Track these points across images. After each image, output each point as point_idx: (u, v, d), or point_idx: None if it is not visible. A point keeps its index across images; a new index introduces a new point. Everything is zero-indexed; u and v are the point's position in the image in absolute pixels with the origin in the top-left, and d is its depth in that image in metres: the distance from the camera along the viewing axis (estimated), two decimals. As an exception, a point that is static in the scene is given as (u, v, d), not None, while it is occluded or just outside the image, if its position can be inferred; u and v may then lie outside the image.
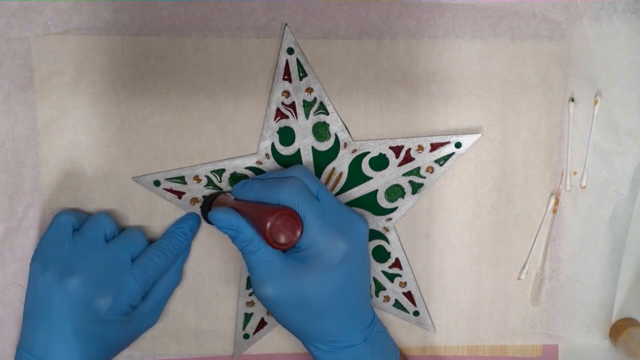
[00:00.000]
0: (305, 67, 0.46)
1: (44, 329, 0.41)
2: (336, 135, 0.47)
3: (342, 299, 0.42)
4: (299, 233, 0.40)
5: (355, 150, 0.47)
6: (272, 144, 0.47)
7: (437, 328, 0.51)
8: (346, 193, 0.48)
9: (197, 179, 0.47)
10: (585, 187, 0.49)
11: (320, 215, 0.41)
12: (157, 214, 0.47)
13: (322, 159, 0.47)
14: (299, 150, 0.47)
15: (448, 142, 0.47)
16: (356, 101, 0.47)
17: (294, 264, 0.41)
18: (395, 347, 0.46)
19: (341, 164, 0.47)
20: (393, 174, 0.48)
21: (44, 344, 0.41)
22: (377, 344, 0.44)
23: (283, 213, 0.39)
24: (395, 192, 0.48)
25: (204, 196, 0.47)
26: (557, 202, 0.49)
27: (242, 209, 0.42)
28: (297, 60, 0.45)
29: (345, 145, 0.47)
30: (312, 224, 0.40)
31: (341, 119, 0.47)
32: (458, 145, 0.47)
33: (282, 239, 0.39)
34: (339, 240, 0.41)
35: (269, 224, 0.39)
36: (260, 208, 0.41)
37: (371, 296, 0.50)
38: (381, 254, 0.49)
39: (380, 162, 0.48)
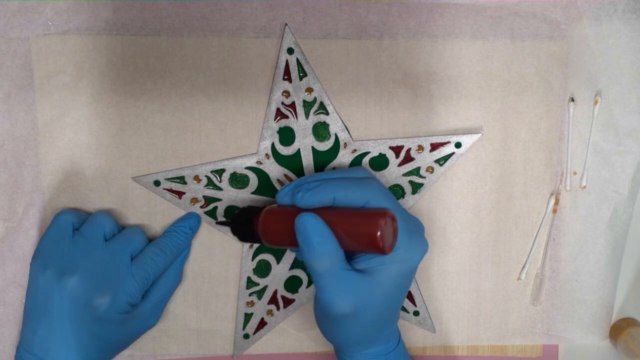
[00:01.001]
0: (305, 67, 0.46)
1: (43, 328, 0.41)
2: (336, 135, 0.47)
3: (392, 310, 0.42)
4: (395, 237, 0.37)
5: (355, 150, 0.47)
6: (272, 144, 0.47)
7: (437, 328, 0.51)
8: (346, 193, 0.48)
9: (197, 179, 0.47)
10: (585, 187, 0.49)
11: (404, 218, 0.39)
12: (157, 214, 0.47)
13: (322, 159, 0.47)
14: (299, 150, 0.47)
15: (448, 142, 0.47)
16: (356, 101, 0.47)
17: (358, 276, 0.38)
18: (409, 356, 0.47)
19: (341, 164, 0.47)
20: (393, 174, 0.48)
21: (44, 343, 0.41)
22: (402, 354, 0.44)
23: (390, 216, 0.36)
24: (395, 192, 0.48)
25: (241, 209, 0.44)
26: (557, 202, 0.49)
27: (332, 217, 0.37)
28: (297, 60, 0.45)
29: (345, 145, 0.47)
30: (400, 226, 0.38)
31: (341, 119, 0.47)
32: (458, 145, 0.47)
33: (390, 243, 0.36)
34: (422, 240, 0.40)
35: (380, 229, 0.35)
36: (352, 216, 0.37)
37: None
38: (381, 254, 0.49)
39: (380, 162, 0.48)
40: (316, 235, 0.37)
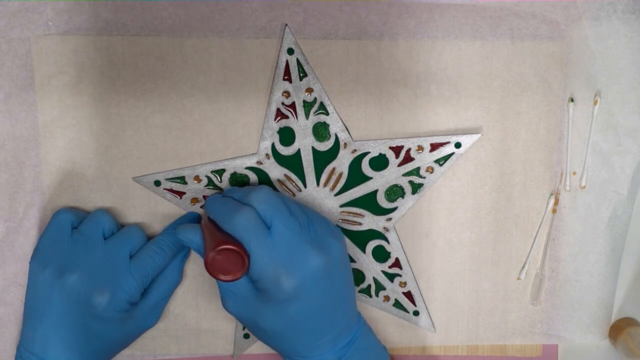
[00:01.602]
0: (306, 68, 0.46)
1: (43, 327, 0.41)
2: (336, 135, 0.47)
3: (300, 327, 0.41)
4: (243, 269, 0.39)
5: (355, 151, 0.47)
6: (273, 144, 0.47)
7: (437, 328, 0.51)
8: (346, 193, 0.48)
9: (197, 179, 0.47)
10: (584, 187, 0.49)
11: (268, 251, 0.40)
12: (157, 214, 0.47)
13: (322, 159, 0.47)
14: (299, 150, 0.47)
15: (448, 142, 0.47)
16: (356, 101, 0.47)
17: (252, 291, 0.41)
18: (382, 359, 0.46)
19: (341, 164, 0.47)
20: (393, 174, 0.48)
21: (44, 342, 0.41)
22: None
23: (226, 248, 0.39)
24: (395, 192, 0.48)
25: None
26: (556, 202, 0.49)
27: (204, 230, 0.42)
28: (297, 60, 0.46)
29: (345, 145, 0.47)
30: (258, 259, 0.39)
31: (341, 119, 0.47)
32: (458, 145, 0.47)
33: (221, 275, 0.39)
34: (283, 277, 0.40)
35: (210, 257, 0.39)
36: (212, 235, 0.40)
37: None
38: (381, 254, 0.49)
39: (380, 162, 0.48)
40: (184, 242, 0.43)
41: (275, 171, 0.47)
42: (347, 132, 0.47)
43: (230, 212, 0.41)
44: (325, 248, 0.41)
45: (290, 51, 0.45)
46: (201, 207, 0.47)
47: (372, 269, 0.49)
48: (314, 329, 0.42)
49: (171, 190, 0.47)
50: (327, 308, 0.42)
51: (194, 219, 0.47)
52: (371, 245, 0.49)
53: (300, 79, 0.46)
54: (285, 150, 0.47)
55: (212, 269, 0.39)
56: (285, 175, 0.47)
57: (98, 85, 0.45)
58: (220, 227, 0.41)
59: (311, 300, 0.41)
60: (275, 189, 0.47)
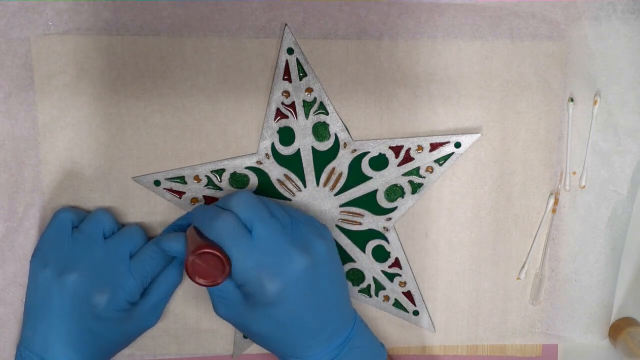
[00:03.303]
0: (306, 68, 0.46)
1: (44, 326, 0.41)
2: (336, 135, 0.47)
3: (290, 329, 0.41)
4: (224, 273, 0.39)
5: (355, 151, 0.47)
6: (273, 144, 0.47)
7: (437, 328, 0.51)
8: (346, 193, 0.48)
9: (197, 179, 0.47)
10: (584, 187, 0.49)
11: (249, 255, 0.39)
12: (157, 214, 0.47)
13: (322, 159, 0.47)
14: (299, 150, 0.47)
15: (448, 142, 0.47)
16: (356, 101, 0.47)
17: (240, 296, 0.41)
18: (379, 357, 0.45)
19: (341, 164, 0.47)
20: (393, 174, 0.48)
21: (44, 341, 0.41)
22: None
23: (206, 252, 0.38)
24: (395, 192, 0.48)
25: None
26: (556, 202, 0.49)
27: (188, 237, 0.42)
28: (297, 60, 0.46)
29: (345, 145, 0.47)
30: (240, 264, 0.39)
31: (341, 119, 0.47)
32: (458, 145, 0.47)
33: (202, 277, 0.39)
34: (267, 281, 0.39)
35: (189, 261, 0.38)
36: (193, 241, 0.40)
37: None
38: (381, 254, 0.49)
39: (380, 162, 0.48)
40: (168, 250, 0.43)
41: (275, 171, 0.47)
42: (347, 132, 0.47)
43: (211, 219, 0.40)
44: (310, 249, 0.41)
45: (290, 51, 0.45)
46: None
47: (372, 269, 0.49)
48: (305, 330, 0.41)
49: (171, 190, 0.47)
50: (316, 309, 0.41)
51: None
52: (371, 245, 0.49)
53: (300, 79, 0.46)
54: (285, 150, 0.47)
55: (192, 272, 0.39)
56: (285, 175, 0.47)
57: (98, 85, 0.45)
58: (203, 235, 0.41)
59: (298, 302, 0.40)
60: (275, 189, 0.47)
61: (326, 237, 0.43)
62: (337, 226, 0.48)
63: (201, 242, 0.40)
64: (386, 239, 0.49)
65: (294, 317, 0.41)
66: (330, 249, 0.43)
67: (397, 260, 0.49)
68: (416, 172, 0.48)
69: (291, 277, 0.40)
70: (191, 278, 0.39)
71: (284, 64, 0.45)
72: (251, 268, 0.39)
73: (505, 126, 0.48)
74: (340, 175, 0.48)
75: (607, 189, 0.49)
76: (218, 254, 0.39)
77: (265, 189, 0.47)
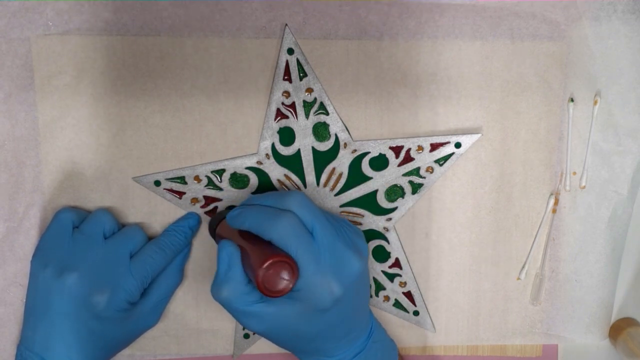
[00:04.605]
0: (306, 68, 0.46)
1: (44, 326, 0.41)
2: (336, 135, 0.47)
3: (333, 331, 0.41)
4: (293, 279, 0.37)
5: (355, 151, 0.47)
6: (273, 144, 0.47)
7: (437, 328, 0.51)
8: (346, 193, 0.48)
9: (197, 179, 0.47)
10: (584, 187, 0.49)
11: (315, 258, 0.38)
12: (157, 214, 0.47)
13: (322, 159, 0.47)
14: (299, 150, 0.47)
15: (448, 142, 0.47)
16: (356, 101, 0.47)
17: (284, 305, 0.39)
18: (392, 351, 0.47)
19: (341, 164, 0.47)
20: (393, 174, 0.48)
21: (45, 341, 0.41)
22: (371, 355, 0.44)
23: (276, 260, 0.37)
24: (395, 192, 0.48)
25: (218, 212, 0.47)
26: (556, 202, 0.49)
27: (241, 245, 0.40)
28: (297, 60, 0.46)
29: (345, 145, 0.47)
30: (306, 268, 0.38)
31: (341, 119, 0.47)
32: (458, 145, 0.47)
33: (276, 288, 0.37)
34: (333, 284, 0.39)
35: (261, 274, 0.36)
36: (255, 250, 0.38)
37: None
38: (381, 254, 0.49)
39: (380, 162, 0.48)
40: (223, 263, 0.40)
41: (275, 171, 0.47)
42: (347, 132, 0.47)
43: (272, 219, 0.39)
44: (360, 250, 0.41)
45: (290, 51, 0.45)
46: (201, 207, 0.47)
47: (372, 269, 0.49)
48: (345, 328, 0.42)
49: (171, 190, 0.47)
50: (357, 308, 0.42)
51: (194, 219, 0.47)
52: (371, 245, 0.49)
53: (300, 79, 0.46)
54: (285, 150, 0.47)
55: (264, 287, 0.36)
56: (285, 175, 0.47)
57: (98, 85, 0.45)
58: (256, 239, 0.39)
59: (349, 303, 0.41)
60: (275, 189, 0.47)
61: (363, 237, 0.44)
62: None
63: (263, 248, 0.38)
64: (386, 239, 0.49)
65: (343, 316, 0.41)
66: (367, 248, 0.44)
67: (397, 260, 0.49)
68: (416, 172, 0.48)
69: (350, 280, 0.40)
70: (265, 291, 0.37)
71: (284, 64, 0.45)
72: (316, 272, 0.38)
73: (505, 126, 0.48)
74: (340, 175, 0.48)
75: (607, 189, 0.49)
76: (288, 260, 0.37)
77: (265, 189, 0.47)
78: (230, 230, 0.42)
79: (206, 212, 0.47)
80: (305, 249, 0.38)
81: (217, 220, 0.45)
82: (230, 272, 0.39)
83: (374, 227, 0.49)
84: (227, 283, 0.39)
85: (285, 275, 0.37)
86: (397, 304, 0.50)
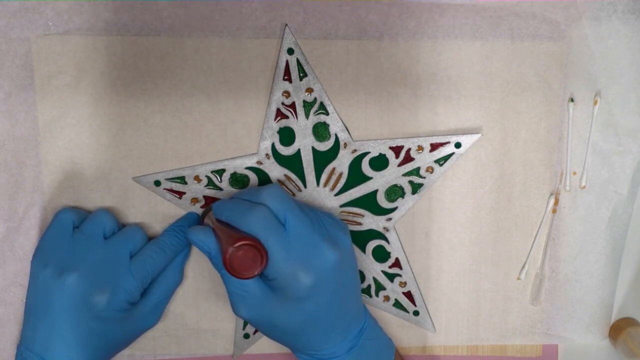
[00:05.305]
0: (306, 68, 0.46)
1: (44, 326, 0.41)
2: (336, 135, 0.47)
3: (316, 323, 0.42)
4: (261, 265, 0.39)
5: (355, 151, 0.47)
6: (273, 144, 0.47)
7: (437, 328, 0.51)
8: (346, 193, 0.48)
9: (197, 179, 0.47)
10: (584, 187, 0.49)
11: (285, 247, 0.40)
12: (157, 214, 0.47)
13: (322, 159, 0.47)
14: (299, 150, 0.47)
15: (448, 142, 0.47)
16: (356, 101, 0.47)
17: (266, 291, 0.41)
18: (389, 349, 0.47)
19: (341, 164, 0.47)
20: (393, 174, 0.48)
21: (44, 341, 0.41)
22: (364, 352, 0.44)
23: (244, 243, 0.38)
24: (395, 192, 0.48)
25: (205, 207, 0.47)
26: (556, 202, 0.49)
27: (217, 231, 0.41)
28: (297, 60, 0.46)
29: (345, 145, 0.47)
30: (275, 256, 0.39)
31: (341, 119, 0.47)
32: (458, 145, 0.47)
33: (241, 270, 0.38)
34: (302, 274, 0.40)
35: (228, 253, 0.38)
36: (228, 233, 0.40)
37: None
38: (381, 254, 0.49)
39: (380, 162, 0.48)
40: (196, 243, 0.43)
41: (275, 171, 0.47)
42: (347, 132, 0.47)
43: (245, 211, 0.41)
44: (337, 242, 0.42)
45: (290, 51, 0.45)
46: (201, 207, 0.47)
47: (372, 269, 0.49)
48: (328, 322, 0.42)
49: (171, 190, 0.47)
50: (340, 301, 0.43)
51: (194, 219, 0.47)
52: (371, 245, 0.49)
53: (300, 79, 0.46)
54: (285, 150, 0.47)
55: (231, 265, 0.38)
56: (285, 175, 0.47)
57: (98, 85, 0.45)
58: (233, 228, 0.41)
59: (327, 295, 0.41)
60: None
61: (346, 231, 0.44)
62: (343, 220, 0.48)
63: (235, 233, 0.40)
64: (386, 239, 0.49)
65: (322, 308, 0.41)
66: (350, 243, 0.44)
67: (397, 260, 0.49)
68: (416, 172, 0.48)
69: (323, 270, 0.41)
70: (230, 271, 0.38)
71: (284, 64, 0.45)
72: (286, 260, 0.40)
73: (505, 126, 0.48)
74: (340, 175, 0.48)
75: (607, 189, 0.49)
76: (257, 245, 0.39)
77: (265, 189, 0.47)
78: (214, 221, 0.44)
79: (206, 212, 0.48)
80: (275, 239, 0.40)
81: (206, 212, 0.46)
82: (216, 256, 0.42)
83: (374, 227, 0.49)
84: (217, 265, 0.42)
85: (252, 259, 0.39)
86: (397, 304, 0.50)
